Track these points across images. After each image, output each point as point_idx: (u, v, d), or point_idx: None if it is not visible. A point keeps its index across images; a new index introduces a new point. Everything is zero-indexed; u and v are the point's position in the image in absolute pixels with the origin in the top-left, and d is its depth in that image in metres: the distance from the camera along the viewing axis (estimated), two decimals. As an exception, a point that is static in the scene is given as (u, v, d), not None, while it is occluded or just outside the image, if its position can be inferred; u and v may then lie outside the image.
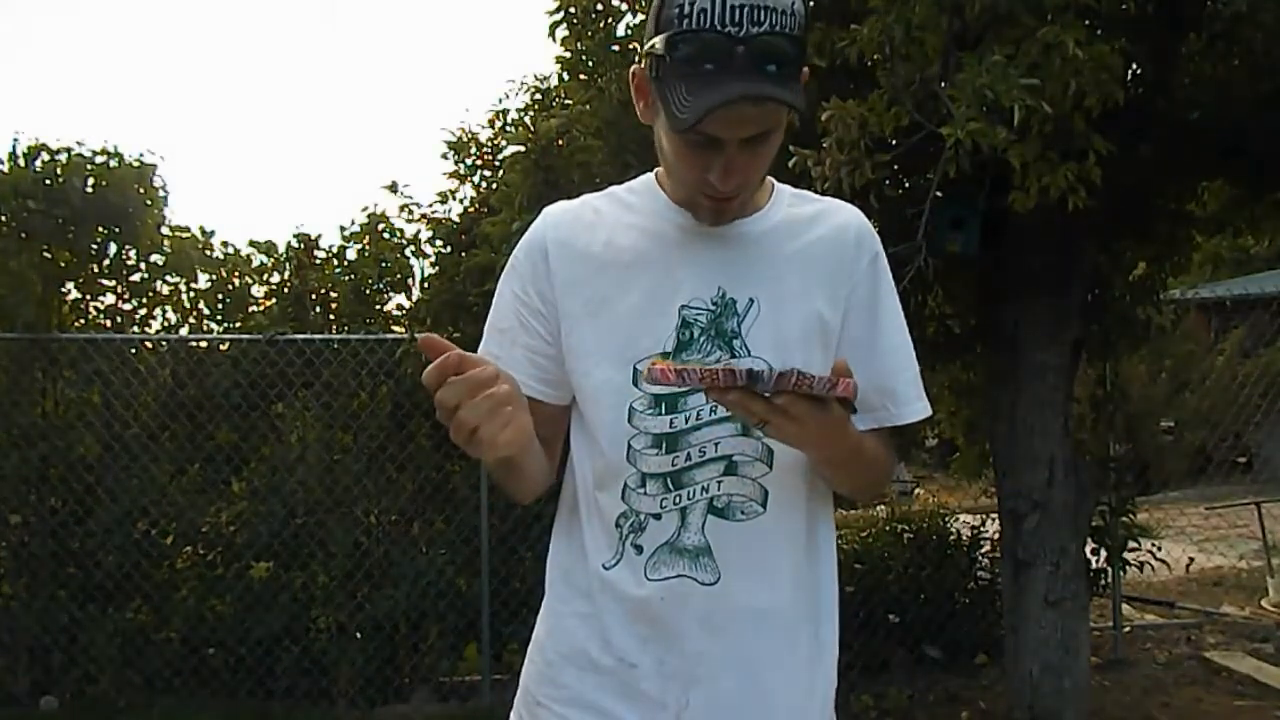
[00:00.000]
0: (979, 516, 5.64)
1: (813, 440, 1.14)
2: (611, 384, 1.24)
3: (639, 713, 1.24)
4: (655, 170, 1.33)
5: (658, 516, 1.24)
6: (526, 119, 4.62)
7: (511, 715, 1.37)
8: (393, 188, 5.21)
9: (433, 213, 5.14)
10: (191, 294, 5.53)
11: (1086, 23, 2.65)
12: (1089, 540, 4.33)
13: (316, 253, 5.56)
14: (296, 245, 5.54)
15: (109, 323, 5.42)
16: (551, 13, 3.77)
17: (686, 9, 1.10)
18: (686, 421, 1.23)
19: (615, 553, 1.26)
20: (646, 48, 1.16)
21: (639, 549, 1.25)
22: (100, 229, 5.19)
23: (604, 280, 1.26)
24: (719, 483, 1.24)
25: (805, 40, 1.14)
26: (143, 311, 5.48)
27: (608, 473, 1.27)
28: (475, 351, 1.29)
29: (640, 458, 1.25)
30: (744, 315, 1.24)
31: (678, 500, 1.24)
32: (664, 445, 1.24)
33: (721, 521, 1.24)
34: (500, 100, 4.92)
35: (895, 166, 3.17)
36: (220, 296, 5.54)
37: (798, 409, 1.06)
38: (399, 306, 5.57)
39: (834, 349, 1.28)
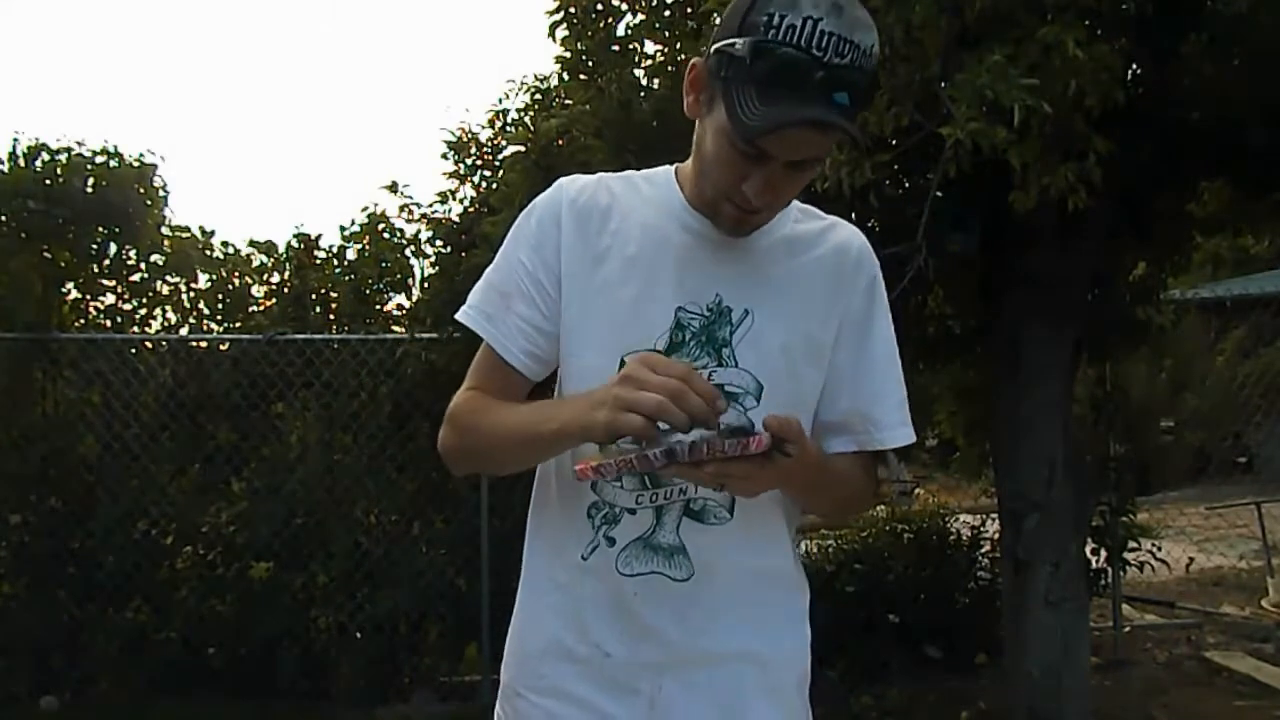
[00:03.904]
0: (979, 516, 5.63)
1: (775, 484, 1.17)
2: (596, 371, 1.23)
3: (615, 700, 1.27)
4: (675, 166, 1.33)
5: (632, 511, 1.26)
6: (526, 119, 4.62)
7: (496, 709, 1.38)
8: (393, 188, 5.21)
9: (433, 213, 5.14)
10: (191, 294, 5.53)
11: (1086, 23, 2.65)
12: (1089, 540, 4.34)
13: (316, 253, 5.55)
14: (296, 245, 5.53)
15: (109, 323, 5.41)
16: (551, 13, 3.77)
17: (776, 21, 1.09)
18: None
19: (590, 543, 1.27)
20: (720, 45, 1.14)
21: (611, 541, 1.26)
22: (100, 229, 5.20)
23: (607, 267, 1.26)
24: (696, 486, 1.25)
25: (873, 78, 1.15)
26: (143, 311, 5.48)
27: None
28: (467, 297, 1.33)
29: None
30: (737, 325, 1.25)
31: (654, 498, 1.26)
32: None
33: (695, 524, 1.26)
34: (500, 100, 4.92)
35: (895, 166, 3.17)
36: (220, 296, 5.54)
37: (736, 469, 1.07)
38: (399, 306, 5.57)
39: (825, 367, 1.30)
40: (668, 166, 1.34)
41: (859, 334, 1.31)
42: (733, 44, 1.12)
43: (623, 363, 1.23)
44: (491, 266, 1.33)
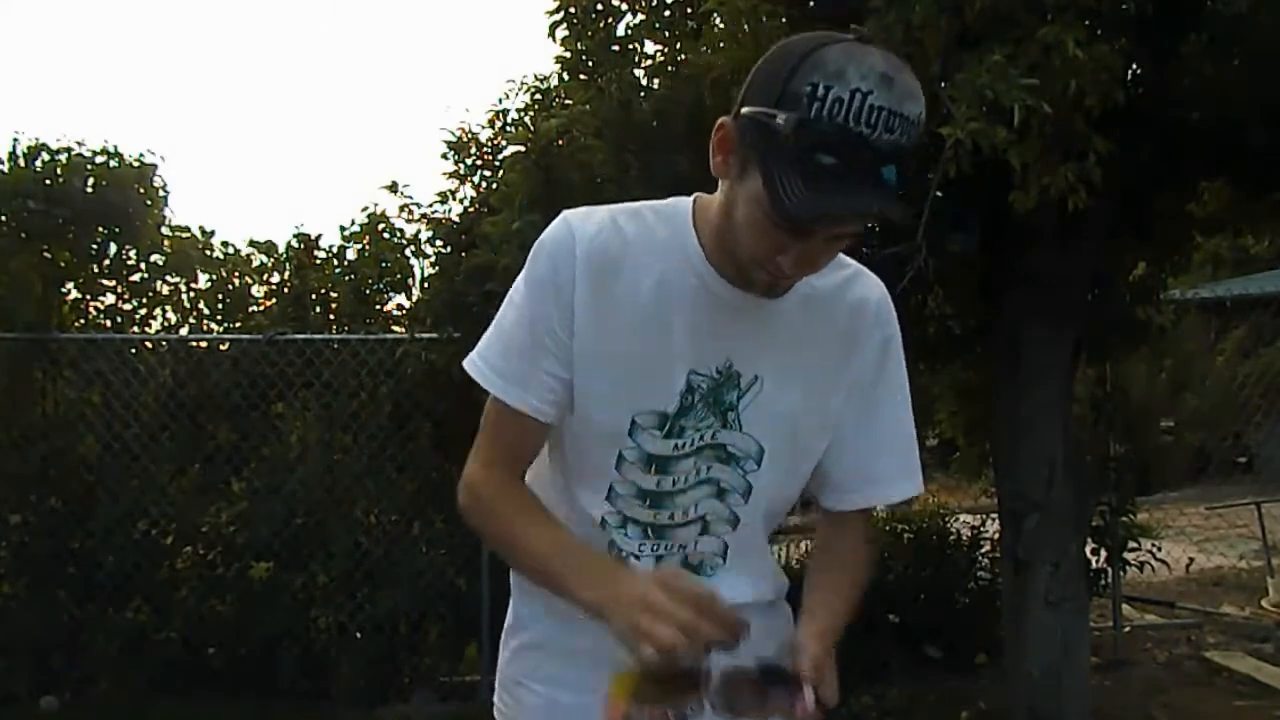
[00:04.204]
0: (979, 516, 5.63)
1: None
2: (608, 428, 1.23)
3: None
4: (694, 202, 1.24)
5: (637, 557, 1.29)
6: (526, 119, 4.62)
7: (495, 700, 1.41)
8: (393, 188, 5.20)
9: (433, 213, 5.14)
10: (191, 294, 5.54)
11: (1086, 23, 2.65)
12: (1089, 540, 4.33)
13: (316, 253, 5.56)
14: (296, 245, 5.53)
15: (109, 323, 5.42)
16: (551, 13, 3.77)
17: (821, 93, 1.00)
18: (673, 484, 1.25)
19: None
20: (756, 112, 1.05)
21: None
22: (100, 229, 5.20)
23: (618, 322, 1.20)
24: (696, 542, 1.30)
25: (918, 148, 1.08)
26: (143, 311, 5.49)
27: (584, 508, 1.29)
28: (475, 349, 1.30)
29: (622, 501, 1.27)
30: (745, 390, 1.23)
31: (655, 548, 1.29)
32: (648, 500, 1.27)
33: (693, 574, 1.29)
34: (500, 100, 4.92)
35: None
36: (220, 296, 5.54)
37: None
38: (399, 306, 5.58)
39: (832, 429, 1.29)
40: (684, 203, 1.24)
41: (865, 394, 1.28)
42: (773, 116, 1.02)
43: (634, 423, 1.22)
44: (504, 314, 1.26)
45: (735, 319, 1.20)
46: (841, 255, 1.24)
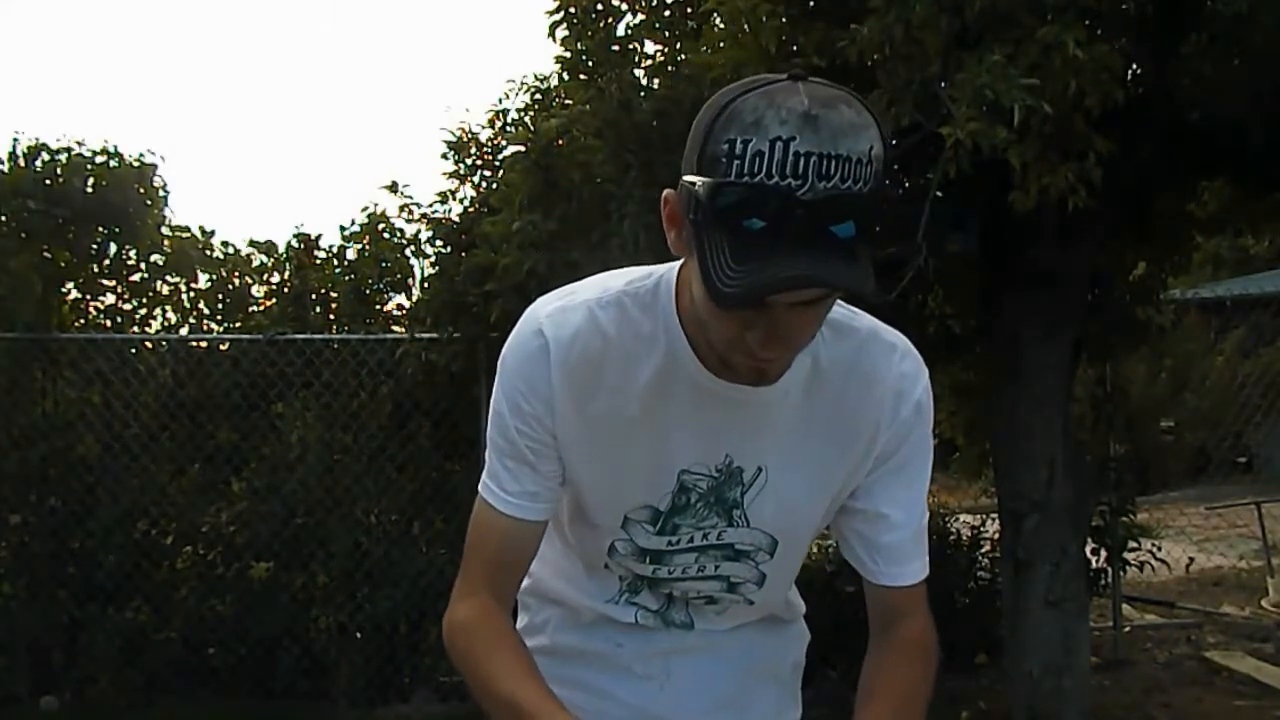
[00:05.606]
0: (979, 516, 5.62)
1: None
2: (602, 520, 1.21)
3: (626, 687, 1.30)
4: (678, 272, 1.10)
5: (653, 586, 1.29)
6: (526, 119, 4.62)
7: None
8: (393, 188, 5.20)
9: (433, 213, 5.14)
10: (191, 294, 5.53)
11: (1086, 23, 2.65)
12: (1089, 540, 4.34)
13: (316, 253, 5.56)
14: (296, 245, 5.53)
15: (109, 323, 5.42)
16: (551, 13, 3.78)
17: (738, 149, 0.88)
18: (669, 574, 1.23)
19: (611, 598, 1.31)
20: (685, 179, 0.93)
21: (633, 605, 1.31)
22: (100, 229, 5.19)
23: (603, 428, 1.13)
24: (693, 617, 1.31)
25: (883, 187, 0.92)
26: (143, 311, 5.49)
27: (585, 569, 1.30)
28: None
29: (621, 568, 1.27)
30: (749, 485, 1.15)
31: (669, 591, 1.29)
32: (647, 575, 1.26)
33: (711, 612, 1.31)
34: (500, 100, 4.92)
35: (895, 166, 3.17)
36: (220, 296, 5.54)
37: None
38: (399, 306, 5.57)
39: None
40: (667, 281, 1.11)
41: (881, 469, 1.19)
42: (694, 184, 0.91)
43: (626, 518, 1.19)
44: (492, 439, 1.18)
45: (731, 413, 1.11)
46: (853, 316, 1.13)
